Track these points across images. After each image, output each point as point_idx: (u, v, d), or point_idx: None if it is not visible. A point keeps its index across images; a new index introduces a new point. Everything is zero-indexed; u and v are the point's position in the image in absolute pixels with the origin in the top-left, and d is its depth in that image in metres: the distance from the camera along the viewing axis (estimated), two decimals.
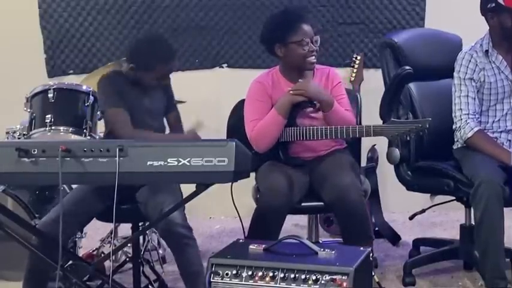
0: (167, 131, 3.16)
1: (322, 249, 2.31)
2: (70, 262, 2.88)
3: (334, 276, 2.16)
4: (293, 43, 3.02)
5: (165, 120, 3.16)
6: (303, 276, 2.18)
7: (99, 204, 2.79)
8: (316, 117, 3.09)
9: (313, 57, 3.05)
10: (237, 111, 3.31)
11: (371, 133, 2.95)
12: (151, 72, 2.94)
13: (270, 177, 2.99)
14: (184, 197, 2.49)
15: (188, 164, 2.14)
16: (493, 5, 3.14)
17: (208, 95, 4.56)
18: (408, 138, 2.95)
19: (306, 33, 3.03)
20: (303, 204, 3.03)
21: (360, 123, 3.37)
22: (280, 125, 3.03)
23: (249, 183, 2.59)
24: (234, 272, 2.25)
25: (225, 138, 3.32)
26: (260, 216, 2.88)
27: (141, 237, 3.34)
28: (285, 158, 3.10)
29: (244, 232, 2.84)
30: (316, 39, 3.05)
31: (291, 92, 3.02)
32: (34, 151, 2.20)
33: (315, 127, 3.02)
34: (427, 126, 2.86)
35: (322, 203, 2.98)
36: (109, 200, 2.66)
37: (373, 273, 2.86)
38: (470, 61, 3.21)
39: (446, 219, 4.41)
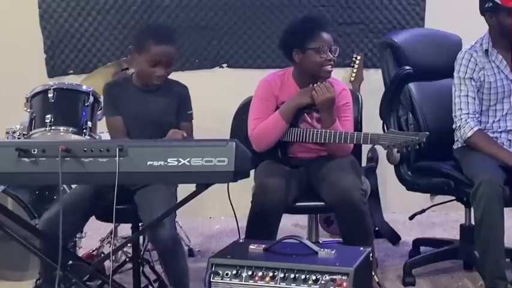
0: None
1: (322, 249, 2.31)
2: (70, 262, 2.88)
3: (334, 276, 2.16)
4: (311, 49, 3.00)
5: None
6: (303, 276, 2.18)
7: (98, 203, 2.80)
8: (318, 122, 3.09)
9: (330, 66, 3.03)
10: (243, 110, 3.30)
11: (368, 141, 2.94)
12: (144, 54, 2.89)
13: (264, 176, 2.99)
14: (184, 197, 2.49)
15: (188, 164, 2.14)
16: (491, 4, 3.14)
17: (208, 95, 4.54)
18: (404, 150, 2.95)
19: (325, 41, 3.02)
20: (299, 203, 3.03)
21: (361, 124, 3.37)
22: (281, 129, 3.04)
23: (248, 183, 2.59)
24: (234, 272, 2.25)
25: (229, 136, 3.32)
26: (254, 216, 2.89)
27: (141, 237, 3.34)
28: (283, 158, 3.11)
29: (239, 232, 2.84)
30: (334, 48, 3.04)
31: (315, 88, 2.99)
32: (34, 151, 2.20)
33: (314, 130, 3.02)
34: (424, 140, 2.85)
35: (322, 203, 2.98)
36: (108, 199, 2.67)
37: (373, 273, 2.86)
38: (470, 60, 3.21)
39: (446, 219, 4.41)
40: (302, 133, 3.03)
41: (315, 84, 3.01)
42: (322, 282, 2.16)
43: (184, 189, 2.68)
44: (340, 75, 3.24)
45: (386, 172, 3.95)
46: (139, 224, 3.11)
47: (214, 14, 4.66)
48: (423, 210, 3.62)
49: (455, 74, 3.25)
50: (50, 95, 3.44)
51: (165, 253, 2.73)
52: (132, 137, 2.95)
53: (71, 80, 4.34)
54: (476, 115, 3.20)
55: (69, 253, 2.79)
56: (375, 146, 3.94)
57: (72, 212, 2.68)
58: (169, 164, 2.15)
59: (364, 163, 3.75)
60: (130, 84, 3.03)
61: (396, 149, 2.92)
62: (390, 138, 2.90)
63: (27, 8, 4.58)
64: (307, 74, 3.07)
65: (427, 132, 2.93)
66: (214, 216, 4.63)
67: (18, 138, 3.46)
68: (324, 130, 2.99)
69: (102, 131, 3.45)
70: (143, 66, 2.93)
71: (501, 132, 3.23)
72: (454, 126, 3.23)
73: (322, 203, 2.98)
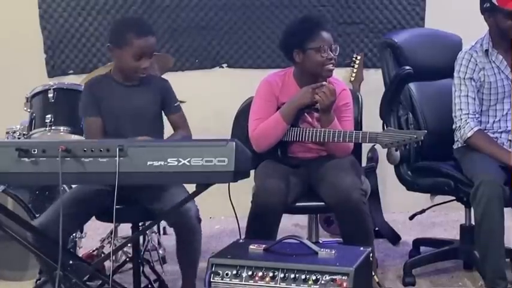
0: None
1: (322, 249, 2.31)
2: (70, 262, 2.88)
3: (334, 276, 2.16)
4: (311, 49, 3.00)
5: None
6: (303, 276, 2.18)
7: (98, 204, 2.80)
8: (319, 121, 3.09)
9: (331, 65, 3.02)
10: (244, 111, 3.30)
11: (366, 139, 2.94)
12: (126, 49, 2.86)
13: (264, 176, 2.99)
14: (184, 197, 2.49)
15: (188, 164, 2.14)
16: (488, 5, 3.14)
17: (208, 95, 4.56)
18: (403, 149, 2.95)
19: (325, 40, 3.02)
20: (299, 203, 3.03)
21: (361, 124, 3.37)
22: (282, 130, 3.03)
23: (248, 182, 2.59)
24: (234, 272, 2.25)
25: (229, 136, 3.32)
26: (254, 216, 2.89)
27: (141, 237, 3.34)
28: (283, 157, 3.11)
29: (240, 232, 2.85)
30: (335, 47, 3.04)
31: (315, 89, 2.98)
32: (34, 151, 2.20)
33: (313, 129, 3.02)
34: (422, 138, 2.85)
35: (322, 203, 2.98)
36: (108, 199, 2.67)
37: (373, 273, 2.86)
38: (470, 61, 3.21)
39: (446, 219, 4.41)
40: (301, 132, 3.03)
41: (319, 88, 2.98)
42: (322, 282, 2.16)
43: None
44: (340, 75, 3.24)
45: (386, 172, 3.95)
46: (140, 224, 3.12)
47: (214, 14, 4.66)
48: (423, 210, 3.62)
49: (455, 74, 3.25)
50: (50, 95, 3.44)
51: (188, 233, 2.75)
52: (118, 133, 2.91)
53: (71, 80, 4.34)
54: (476, 115, 3.20)
55: (69, 253, 2.79)
56: (375, 146, 3.96)
57: (71, 216, 2.67)
58: (169, 164, 2.15)
59: (364, 163, 3.75)
60: (111, 81, 2.98)
61: (395, 148, 2.92)
62: (389, 136, 2.90)
63: (27, 8, 4.58)
64: (309, 74, 3.07)
65: (425, 131, 2.93)
66: (214, 216, 4.63)
67: (18, 138, 3.46)
68: (323, 129, 2.99)
69: None
70: (127, 61, 2.89)
71: (501, 132, 3.23)
72: (454, 127, 3.22)
73: (322, 203, 2.98)
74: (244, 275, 2.24)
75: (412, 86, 3.43)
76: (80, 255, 3.33)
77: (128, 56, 2.87)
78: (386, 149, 2.96)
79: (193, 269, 2.84)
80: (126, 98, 2.95)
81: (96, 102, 2.94)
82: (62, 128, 3.44)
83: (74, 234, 3.22)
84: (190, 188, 2.33)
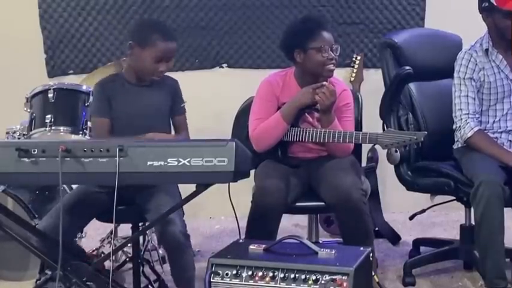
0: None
1: (322, 249, 2.31)
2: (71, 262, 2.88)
3: (334, 276, 2.16)
4: (312, 49, 3.01)
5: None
6: (303, 276, 2.18)
7: (98, 206, 2.80)
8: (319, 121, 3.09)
9: (332, 65, 3.03)
10: (245, 111, 3.30)
11: (366, 140, 2.95)
12: (149, 49, 2.87)
13: (264, 176, 2.99)
14: (184, 197, 2.49)
15: (188, 164, 2.14)
16: (487, 4, 3.14)
17: (208, 95, 4.56)
18: (403, 150, 2.95)
19: (326, 40, 3.02)
20: (299, 203, 3.03)
21: (361, 124, 3.37)
22: (282, 130, 3.04)
23: (248, 182, 2.59)
24: (234, 272, 2.25)
25: (229, 136, 3.32)
26: (254, 216, 2.89)
27: (141, 237, 3.34)
28: (283, 157, 3.11)
29: (240, 232, 2.85)
30: (336, 47, 3.04)
31: (315, 89, 2.98)
32: (34, 151, 2.20)
33: (313, 129, 3.02)
34: (422, 139, 2.85)
35: (322, 203, 2.98)
36: (108, 200, 2.67)
37: (373, 273, 2.86)
38: (470, 61, 3.21)
39: (446, 219, 4.40)
40: (302, 133, 3.03)
41: (320, 88, 2.98)
42: (322, 282, 2.16)
43: (184, 189, 2.69)
44: (340, 75, 3.24)
45: (386, 172, 3.95)
46: (140, 224, 3.12)
47: (214, 14, 4.65)
48: (423, 210, 3.62)
49: (455, 74, 3.25)
50: (50, 95, 3.44)
51: (176, 249, 2.72)
52: (129, 132, 2.89)
53: (71, 80, 4.34)
54: (476, 115, 3.20)
55: (71, 248, 2.78)
56: (375, 146, 3.95)
57: (71, 219, 2.69)
58: (169, 164, 2.15)
59: (364, 163, 3.74)
60: (123, 81, 2.99)
61: (395, 149, 2.92)
62: (389, 137, 2.90)
63: (27, 8, 4.58)
64: (309, 74, 3.07)
65: (425, 132, 2.94)
66: (214, 216, 4.63)
67: (18, 138, 3.47)
68: (323, 130, 2.99)
69: None
70: (146, 62, 2.89)
71: (501, 132, 3.23)
72: (454, 127, 3.22)
73: (322, 203, 2.98)
74: (244, 275, 2.24)
75: (412, 86, 3.44)
76: None
77: (148, 56, 2.88)
78: (386, 150, 2.96)
79: (187, 285, 2.80)
80: (137, 98, 2.96)
81: (107, 103, 2.94)
82: (62, 128, 3.44)
83: None
84: (188, 190, 2.33)
